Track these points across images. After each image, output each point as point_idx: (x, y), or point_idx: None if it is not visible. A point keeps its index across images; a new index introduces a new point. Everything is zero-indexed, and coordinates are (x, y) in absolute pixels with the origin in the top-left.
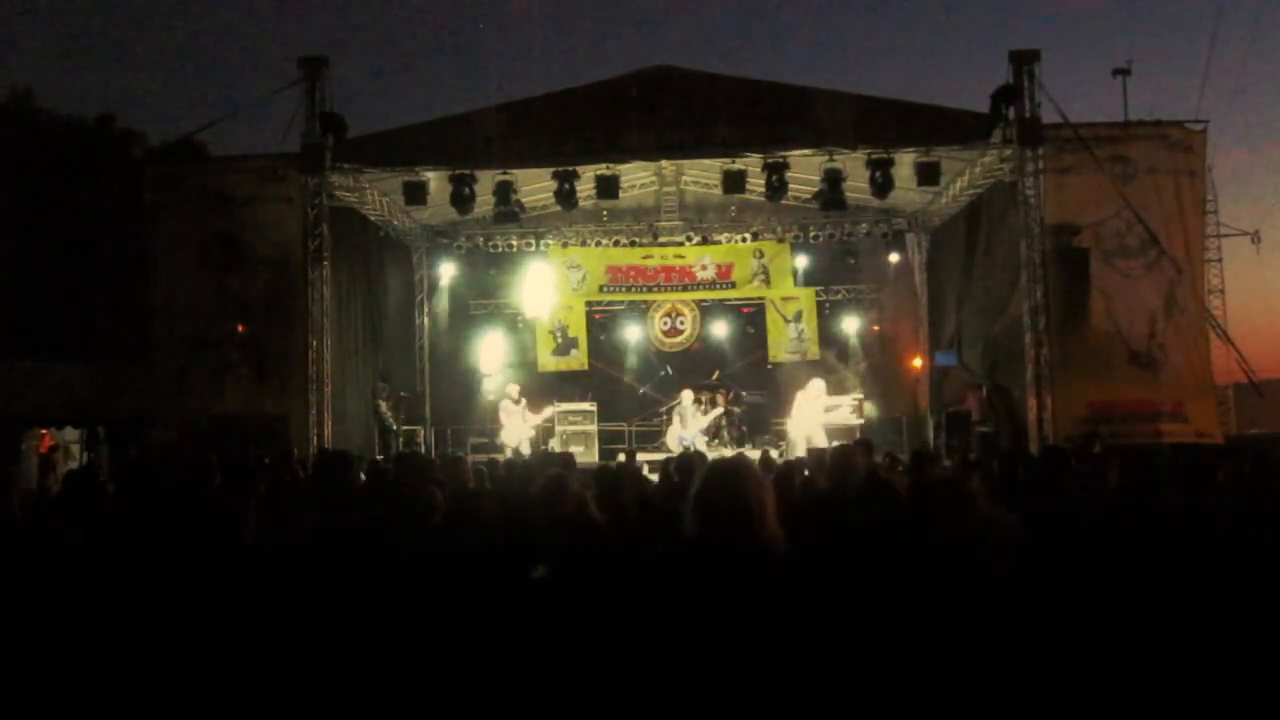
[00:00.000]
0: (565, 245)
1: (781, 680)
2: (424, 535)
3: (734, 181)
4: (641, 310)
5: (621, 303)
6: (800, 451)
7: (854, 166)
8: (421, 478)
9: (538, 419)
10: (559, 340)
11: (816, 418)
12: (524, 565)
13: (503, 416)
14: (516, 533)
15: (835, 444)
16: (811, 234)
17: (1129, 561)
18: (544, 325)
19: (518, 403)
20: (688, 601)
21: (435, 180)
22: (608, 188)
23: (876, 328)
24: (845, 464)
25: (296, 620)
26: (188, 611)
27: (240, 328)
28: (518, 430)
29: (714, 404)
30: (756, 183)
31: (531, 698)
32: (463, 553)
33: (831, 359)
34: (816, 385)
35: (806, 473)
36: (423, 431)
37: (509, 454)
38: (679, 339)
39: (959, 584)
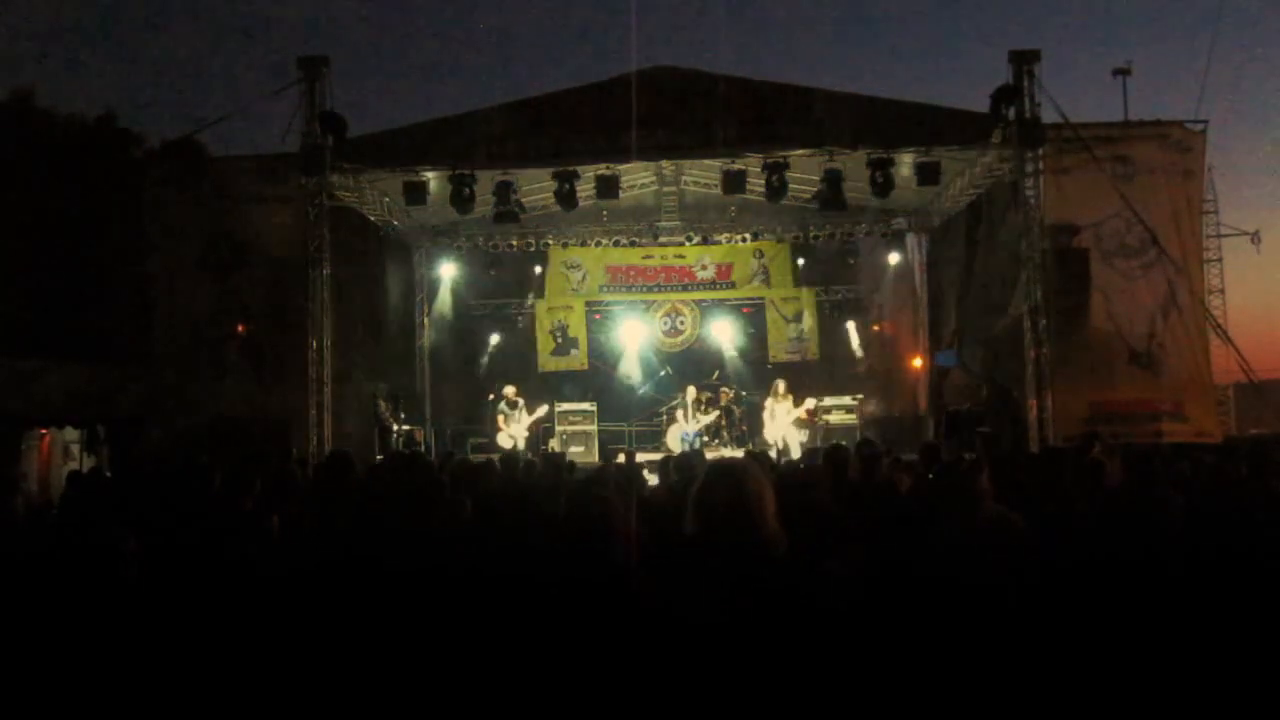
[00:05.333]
0: (565, 245)
1: (783, 679)
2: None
3: (734, 181)
4: (642, 310)
5: (621, 302)
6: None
7: (854, 166)
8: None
9: (531, 419)
10: (559, 340)
11: (786, 420)
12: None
13: (499, 418)
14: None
15: (807, 448)
16: (811, 234)
17: (1127, 562)
18: (544, 325)
19: (514, 404)
20: (688, 601)
21: (435, 180)
22: (608, 188)
23: (876, 328)
24: (840, 464)
25: (308, 622)
26: (194, 613)
27: (240, 328)
28: (515, 430)
29: (715, 403)
30: (756, 183)
31: (534, 695)
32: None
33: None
34: (779, 386)
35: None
36: (423, 431)
37: (510, 454)
38: (679, 339)
39: (964, 582)
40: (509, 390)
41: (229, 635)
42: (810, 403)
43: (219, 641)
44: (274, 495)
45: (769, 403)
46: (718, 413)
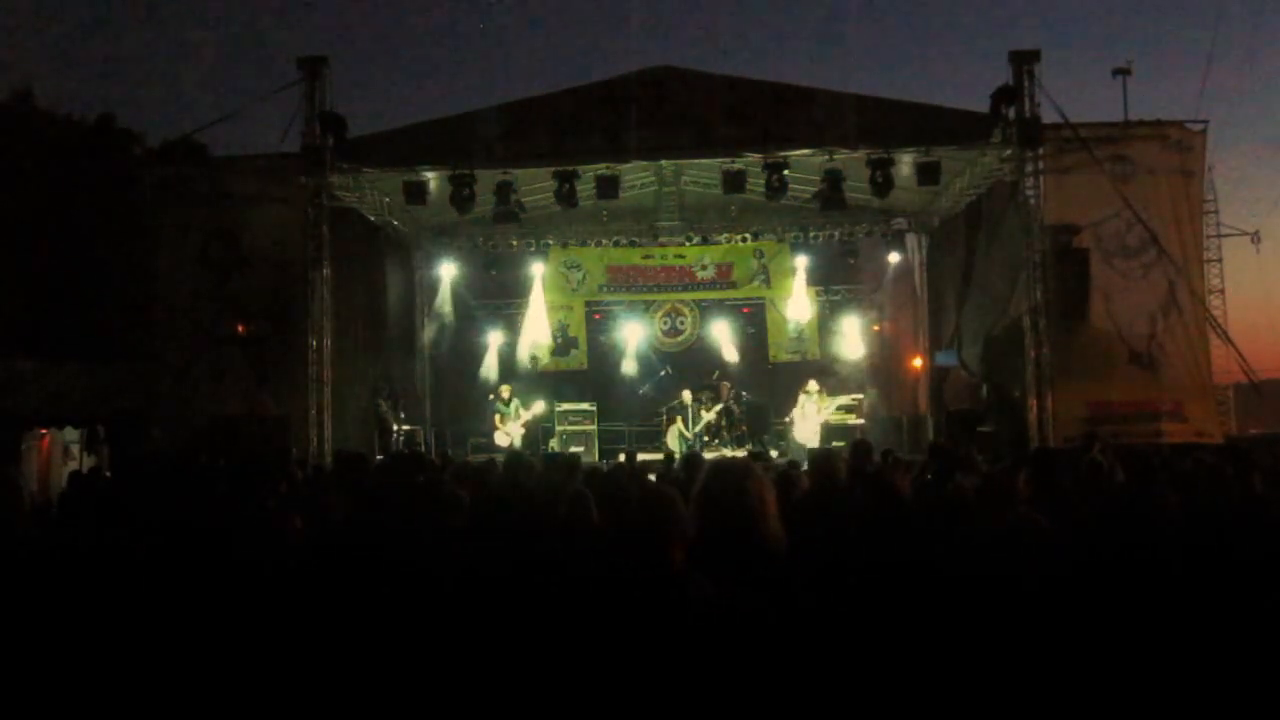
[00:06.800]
0: (565, 245)
1: (784, 680)
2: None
3: (734, 181)
4: (642, 310)
5: (622, 302)
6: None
7: (854, 166)
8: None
9: (527, 416)
10: (559, 340)
11: (818, 420)
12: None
13: (495, 418)
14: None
15: (820, 446)
16: (811, 234)
17: (1126, 563)
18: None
19: (508, 403)
20: (688, 600)
21: (435, 180)
22: (608, 188)
23: (876, 328)
24: (826, 467)
25: (323, 622)
26: (205, 613)
27: (240, 328)
28: (511, 429)
29: (715, 400)
30: (756, 183)
31: (537, 694)
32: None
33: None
34: (813, 385)
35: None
36: (423, 431)
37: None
38: (679, 339)
39: (986, 584)
40: (503, 390)
41: (238, 635)
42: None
43: (228, 642)
44: (274, 495)
45: (801, 399)
46: (719, 408)
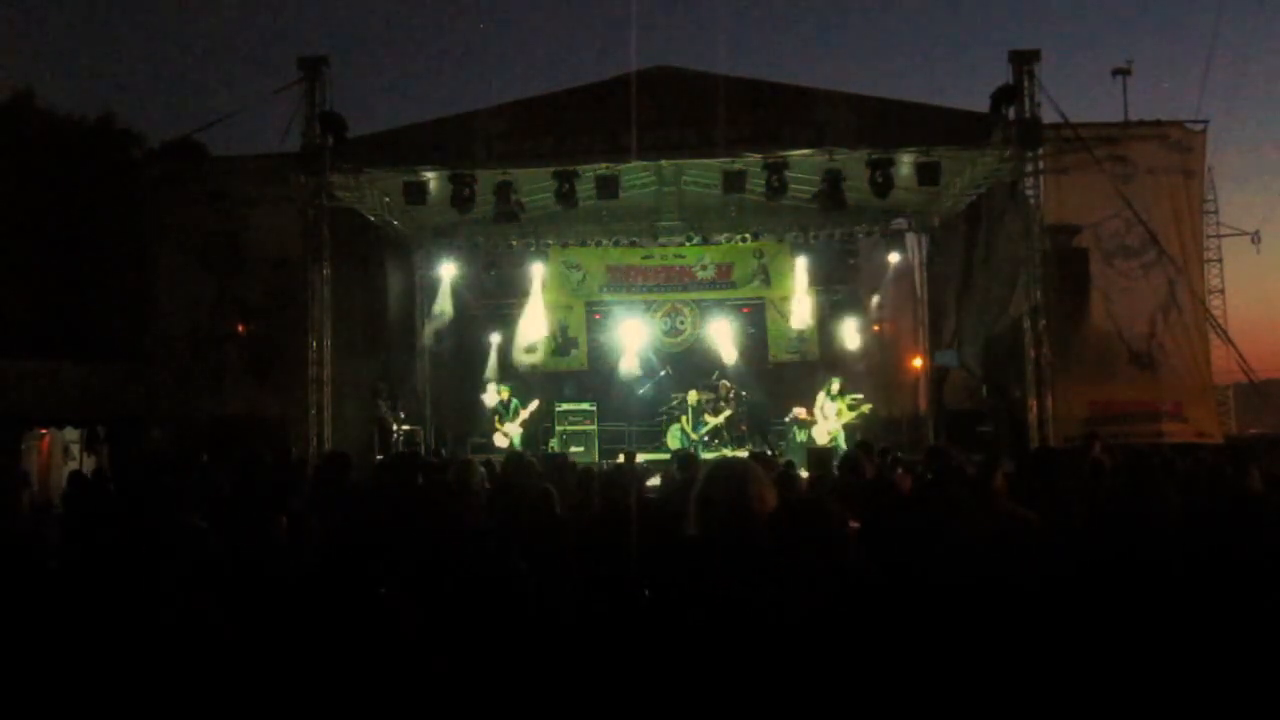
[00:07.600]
0: (565, 245)
1: (784, 680)
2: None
3: (734, 181)
4: (642, 310)
5: (622, 302)
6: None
7: (854, 166)
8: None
9: (524, 415)
10: (559, 340)
11: (838, 420)
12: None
13: (495, 418)
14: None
15: (849, 444)
16: (811, 234)
17: (1126, 563)
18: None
19: (507, 405)
20: (689, 600)
21: (435, 180)
22: (608, 188)
23: (876, 328)
24: (855, 464)
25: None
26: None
27: (240, 328)
28: (509, 429)
29: (721, 403)
30: (756, 183)
31: (539, 695)
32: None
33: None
34: (834, 384)
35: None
36: (423, 431)
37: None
38: (679, 339)
39: (975, 583)
40: (502, 391)
41: (243, 636)
42: (801, 410)
43: (232, 642)
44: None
45: (821, 399)
46: (729, 413)
